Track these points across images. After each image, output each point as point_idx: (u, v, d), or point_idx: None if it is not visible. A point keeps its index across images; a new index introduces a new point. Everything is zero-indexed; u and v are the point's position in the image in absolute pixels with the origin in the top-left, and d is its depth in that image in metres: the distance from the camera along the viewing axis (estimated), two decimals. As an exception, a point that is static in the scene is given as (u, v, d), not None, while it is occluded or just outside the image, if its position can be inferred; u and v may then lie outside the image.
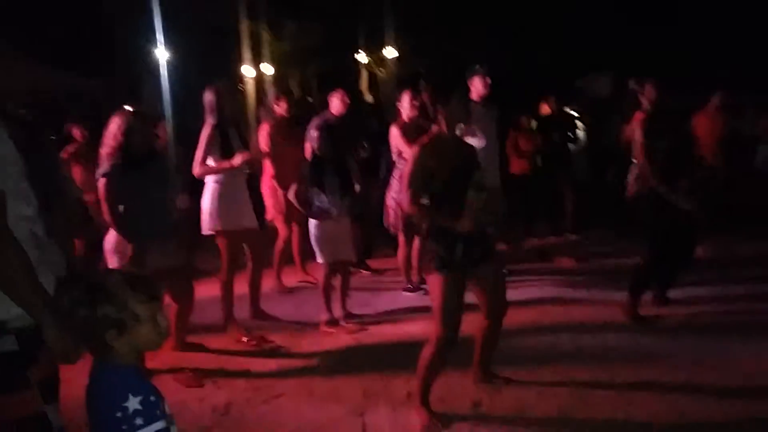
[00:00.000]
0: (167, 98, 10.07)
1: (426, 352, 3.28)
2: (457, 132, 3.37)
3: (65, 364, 2.01)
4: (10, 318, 2.00)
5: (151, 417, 1.66)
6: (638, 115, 4.55)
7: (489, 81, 5.89)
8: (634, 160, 4.62)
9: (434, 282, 3.26)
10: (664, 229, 4.50)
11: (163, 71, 10.55)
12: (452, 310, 3.23)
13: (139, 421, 1.64)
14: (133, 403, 1.65)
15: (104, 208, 3.99)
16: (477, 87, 5.86)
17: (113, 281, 1.73)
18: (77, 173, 5.89)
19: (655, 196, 4.45)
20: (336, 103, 6.31)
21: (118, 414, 1.64)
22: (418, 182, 3.25)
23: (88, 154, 5.84)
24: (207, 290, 5.48)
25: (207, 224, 4.84)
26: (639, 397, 3.45)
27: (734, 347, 4.06)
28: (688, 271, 5.21)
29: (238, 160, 4.69)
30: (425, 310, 4.25)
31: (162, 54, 10.85)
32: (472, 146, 3.64)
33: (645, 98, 4.52)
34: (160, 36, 10.57)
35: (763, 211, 7.09)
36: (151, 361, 4.22)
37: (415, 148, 3.36)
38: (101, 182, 3.98)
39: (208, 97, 4.81)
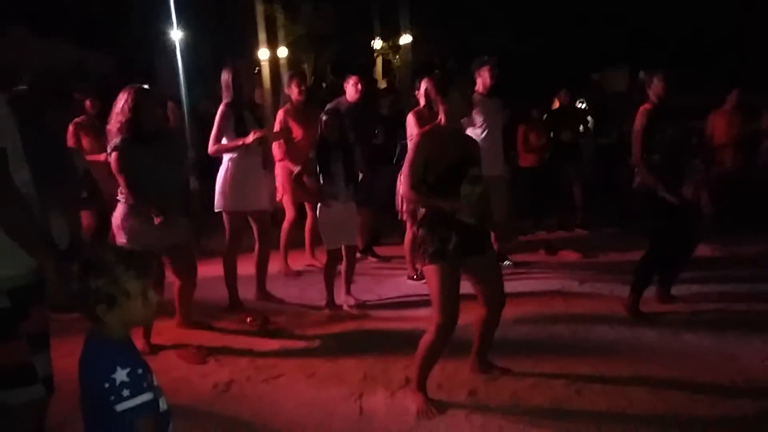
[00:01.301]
0: (180, 79, 10.10)
1: (426, 339, 3.33)
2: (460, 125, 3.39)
3: (59, 309, 2.17)
4: (2, 279, 2.16)
5: (137, 389, 1.72)
6: (643, 107, 4.55)
7: (497, 72, 5.90)
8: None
9: (430, 271, 3.30)
10: (665, 225, 4.51)
11: (177, 52, 10.58)
12: (449, 297, 3.28)
13: (126, 392, 1.70)
14: (121, 375, 1.71)
15: (120, 180, 4.06)
16: (484, 78, 5.88)
17: (107, 257, 1.78)
18: (86, 144, 5.93)
19: (653, 190, 4.46)
20: (350, 89, 6.34)
21: (106, 385, 1.70)
22: (418, 170, 3.28)
23: (98, 128, 5.89)
24: (211, 269, 5.56)
25: (217, 202, 4.93)
26: (635, 391, 3.47)
27: (734, 345, 4.07)
28: (692, 268, 5.24)
29: (250, 137, 4.75)
30: (428, 297, 4.28)
31: (176, 35, 10.87)
32: (474, 141, 3.66)
33: (652, 91, 4.51)
34: (174, 16, 10.59)
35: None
36: (157, 337, 4.32)
37: (417, 136, 3.38)
38: (113, 156, 4.04)
39: (225, 76, 4.88)
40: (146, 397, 1.73)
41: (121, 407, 1.70)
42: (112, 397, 1.70)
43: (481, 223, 3.35)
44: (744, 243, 6.68)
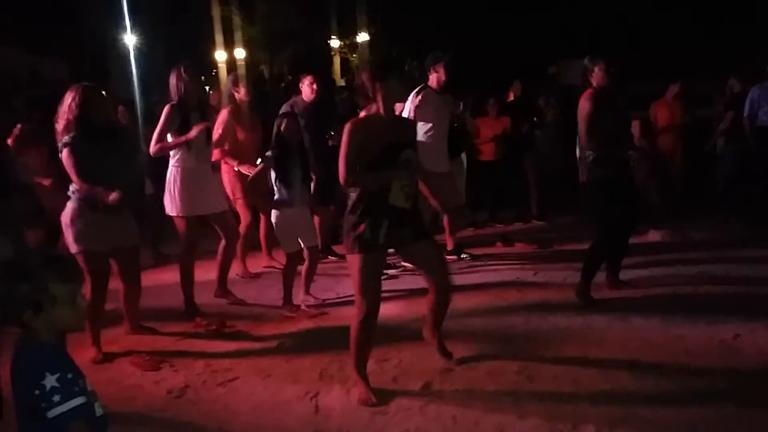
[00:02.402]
0: (134, 82, 9.98)
1: (352, 332, 3.40)
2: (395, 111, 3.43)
3: None
4: None
5: (68, 394, 1.71)
6: (586, 92, 4.64)
7: (452, 69, 5.93)
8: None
9: (353, 261, 3.34)
10: (613, 213, 4.61)
11: (131, 55, 10.45)
12: (370, 288, 3.35)
13: (56, 397, 1.69)
14: (50, 380, 1.70)
15: (72, 177, 4.00)
16: (439, 75, 5.90)
17: (32, 262, 1.77)
18: (27, 155, 5.80)
19: (604, 180, 4.56)
20: (305, 89, 6.32)
21: (36, 392, 1.69)
22: (351, 157, 3.31)
23: (41, 136, 5.78)
24: (169, 275, 5.52)
25: (167, 207, 4.90)
26: (584, 374, 3.57)
27: (680, 327, 4.19)
28: (642, 253, 5.38)
29: (193, 132, 4.70)
30: (387, 294, 4.34)
31: (130, 39, 10.74)
32: (409, 123, 3.70)
33: (593, 79, 4.61)
34: (127, 20, 10.46)
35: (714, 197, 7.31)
36: (110, 345, 4.28)
37: (349, 123, 3.39)
38: (64, 153, 3.99)
39: (172, 78, 4.84)
40: (78, 401, 1.72)
41: (52, 413, 1.69)
42: (44, 404, 1.69)
43: (413, 209, 3.40)
44: (692, 228, 6.87)
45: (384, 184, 3.30)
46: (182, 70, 4.83)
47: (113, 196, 3.94)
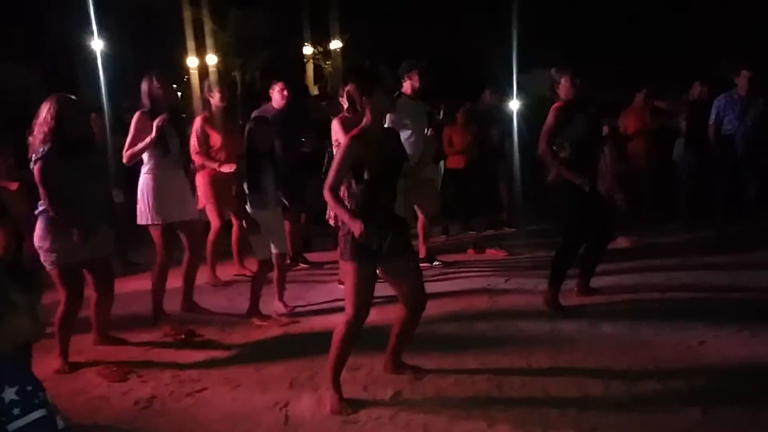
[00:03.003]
0: (102, 89, 9.83)
1: (336, 337, 3.38)
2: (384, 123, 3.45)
3: None
4: None
5: (28, 406, 1.67)
6: (554, 106, 4.70)
7: (426, 76, 5.97)
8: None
9: (349, 269, 3.33)
10: (577, 219, 4.67)
11: (99, 61, 10.29)
12: (364, 295, 3.34)
13: (16, 411, 1.65)
14: (9, 393, 1.66)
15: (42, 192, 3.93)
16: (413, 81, 5.94)
17: None
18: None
19: (567, 186, 4.61)
20: (275, 96, 6.30)
21: None
22: (341, 173, 3.31)
23: (5, 141, 5.70)
24: (137, 284, 5.44)
25: (140, 216, 4.84)
26: (553, 381, 3.59)
27: (648, 334, 4.25)
28: (610, 260, 5.44)
29: (154, 130, 4.61)
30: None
31: (97, 44, 10.58)
32: (396, 134, 3.71)
33: (560, 90, 4.66)
34: (94, 25, 10.30)
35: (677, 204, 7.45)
36: (76, 356, 4.20)
37: (347, 139, 3.38)
38: (36, 167, 3.92)
39: (143, 86, 4.80)
40: (38, 414, 1.68)
41: (12, 427, 1.65)
42: (3, 417, 1.65)
43: (405, 221, 3.43)
44: (660, 235, 6.99)
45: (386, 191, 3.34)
46: (154, 77, 4.80)
47: (77, 237, 3.89)
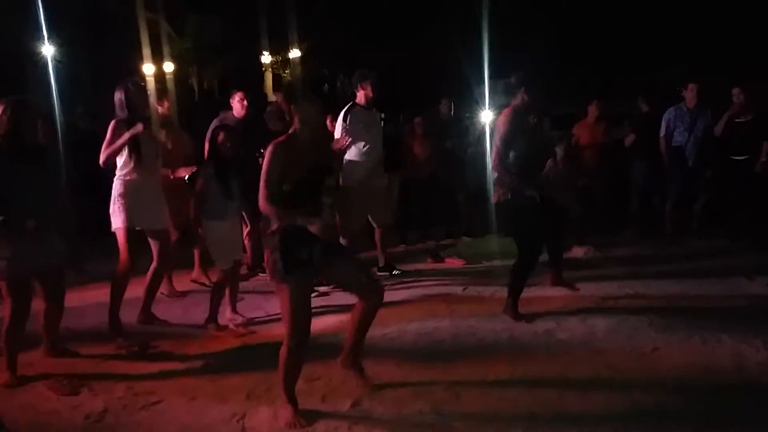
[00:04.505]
0: (54, 94, 9.61)
1: (282, 354, 3.34)
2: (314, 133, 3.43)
3: None
4: None
5: None
6: (504, 111, 4.76)
7: (379, 86, 6.02)
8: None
9: (282, 289, 3.28)
10: (529, 234, 4.73)
11: (49, 65, 10.07)
12: (301, 313, 3.30)
13: None
14: None
15: None
16: (366, 91, 5.98)
17: None
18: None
19: (514, 200, 4.67)
20: (236, 105, 6.28)
21: None
22: (272, 180, 3.29)
23: None
24: (91, 294, 5.31)
25: (113, 220, 4.79)
26: (511, 390, 3.62)
27: (602, 341, 4.33)
28: (566, 269, 5.55)
29: (140, 126, 4.63)
30: (317, 310, 4.33)
31: (48, 49, 10.37)
32: (331, 150, 3.72)
33: (515, 98, 4.73)
34: (44, 28, 10.10)
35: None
36: (25, 368, 4.07)
37: (270, 147, 3.36)
38: None
39: (118, 94, 4.79)
40: None
41: None
42: None
43: (333, 232, 3.42)
44: (612, 245, 7.15)
45: (304, 222, 3.27)
46: (129, 85, 4.80)
47: (30, 224, 3.80)
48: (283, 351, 3.33)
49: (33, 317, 4.16)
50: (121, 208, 4.73)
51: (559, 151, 6.06)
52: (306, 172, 3.30)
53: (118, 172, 4.80)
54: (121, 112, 4.76)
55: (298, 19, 17.40)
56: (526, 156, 4.64)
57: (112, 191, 4.80)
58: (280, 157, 3.30)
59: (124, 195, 4.74)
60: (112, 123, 4.74)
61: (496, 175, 4.76)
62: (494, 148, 4.71)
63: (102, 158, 4.73)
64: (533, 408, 3.40)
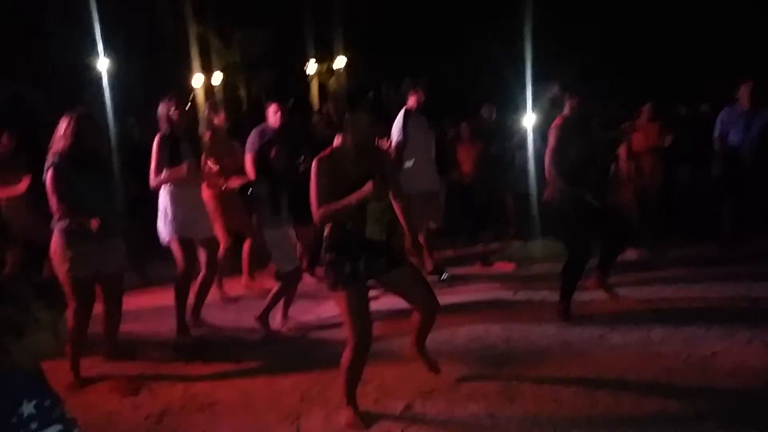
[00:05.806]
0: (108, 108, 9.93)
1: (345, 358, 3.37)
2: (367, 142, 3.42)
3: None
4: None
5: (46, 421, 1.66)
6: (557, 121, 4.73)
7: (428, 92, 6.10)
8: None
9: (339, 297, 3.33)
10: (577, 235, 4.67)
11: (104, 81, 10.41)
12: (360, 319, 3.33)
13: (33, 425, 1.65)
14: (28, 407, 1.66)
15: (52, 200, 3.99)
16: (417, 96, 6.07)
17: (16, 286, 1.75)
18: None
19: (564, 202, 4.63)
20: (270, 117, 6.35)
21: (14, 419, 1.65)
22: (323, 194, 3.28)
23: (11, 162, 5.79)
24: (151, 298, 5.46)
25: (164, 232, 4.89)
26: (564, 394, 3.58)
27: (658, 345, 4.24)
28: (619, 272, 5.45)
29: (183, 170, 4.74)
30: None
31: (103, 64, 10.72)
32: (384, 155, 3.71)
33: (568, 104, 4.69)
34: (100, 44, 10.45)
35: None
36: (86, 370, 4.21)
37: (314, 163, 3.35)
38: (48, 174, 3.99)
39: (161, 109, 4.88)
40: (56, 428, 1.68)
41: None
42: (21, 431, 1.65)
43: (389, 239, 3.42)
44: (668, 248, 6.97)
45: (357, 214, 3.29)
46: (172, 100, 4.90)
47: (94, 223, 3.92)
48: (345, 354, 3.37)
49: (95, 320, 4.31)
50: (169, 220, 4.86)
51: (621, 154, 5.98)
52: (353, 182, 3.27)
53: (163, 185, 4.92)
54: (164, 126, 4.88)
55: (345, 27, 17.56)
56: (579, 163, 4.60)
57: (159, 203, 4.93)
58: (327, 171, 3.30)
59: (171, 207, 4.86)
60: (157, 140, 4.85)
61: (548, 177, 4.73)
62: (547, 158, 4.69)
63: (152, 184, 4.87)
64: (588, 412, 3.35)
